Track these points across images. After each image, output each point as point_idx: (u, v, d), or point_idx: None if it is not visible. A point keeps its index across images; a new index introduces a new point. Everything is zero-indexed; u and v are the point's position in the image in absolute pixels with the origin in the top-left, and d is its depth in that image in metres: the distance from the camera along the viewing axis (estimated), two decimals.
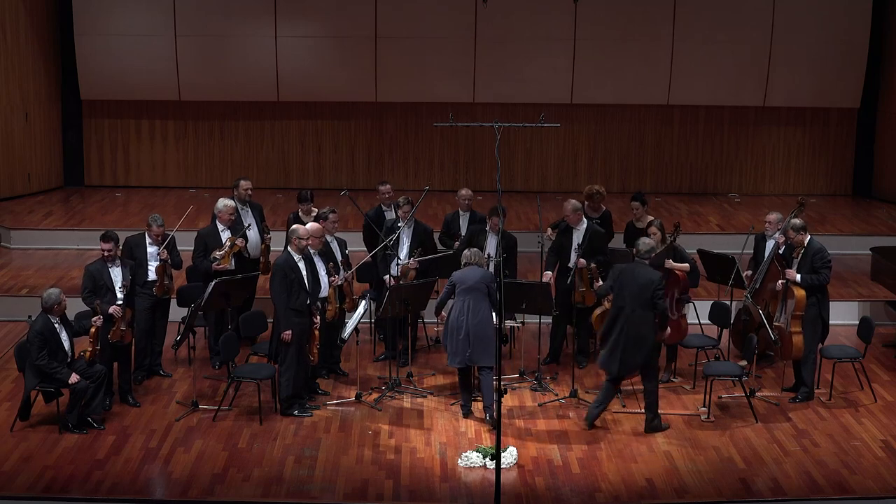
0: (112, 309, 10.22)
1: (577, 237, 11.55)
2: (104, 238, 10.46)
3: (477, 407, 10.60)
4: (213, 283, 10.78)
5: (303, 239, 10.41)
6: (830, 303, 11.07)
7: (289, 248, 10.47)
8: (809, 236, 10.84)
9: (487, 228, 11.83)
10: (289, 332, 10.23)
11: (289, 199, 17.55)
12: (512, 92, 17.78)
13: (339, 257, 11.31)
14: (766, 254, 11.69)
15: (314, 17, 17.66)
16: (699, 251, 12.25)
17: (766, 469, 9.53)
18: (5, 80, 16.71)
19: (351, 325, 10.83)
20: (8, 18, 16.64)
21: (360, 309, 11.03)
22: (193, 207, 13.58)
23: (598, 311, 11.06)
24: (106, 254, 10.39)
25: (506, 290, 10.47)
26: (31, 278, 13.74)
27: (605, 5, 17.52)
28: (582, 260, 11.39)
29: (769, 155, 18.43)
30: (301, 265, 10.38)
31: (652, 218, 12.35)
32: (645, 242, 10.30)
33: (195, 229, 11.99)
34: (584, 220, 11.70)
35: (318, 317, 10.49)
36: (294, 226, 10.66)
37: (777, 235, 12.00)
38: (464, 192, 12.73)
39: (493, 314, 10.29)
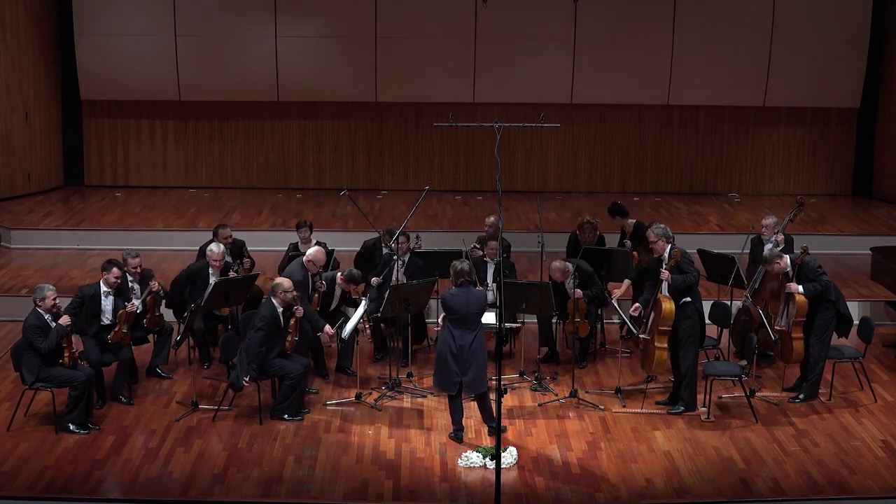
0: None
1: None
2: (117, 264, 10.64)
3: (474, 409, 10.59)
4: (214, 283, 10.83)
5: (288, 293, 10.32)
6: None
7: (273, 299, 10.34)
8: (788, 258, 10.83)
9: (486, 258, 11.90)
10: (246, 380, 10.21)
11: (288, 199, 17.58)
12: (512, 92, 17.78)
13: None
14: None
15: (314, 17, 17.67)
16: (699, 251, 12.25)
17: (766, 469, 9.53)
18: (5, 80, 16.71)
19: (351, 324, 10.84)
20: (8, 18, 16.64)
21: (360, 309, 11.04)
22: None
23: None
24: (113, 280, 10.59)
25: (506, 290, 10.48)
26: (31, 278, 13.74)
27: (605, 5, 17.53)
28: (579, 291, 11.42)
29: (769, 155, 18.44)
30: (282, 318, 10.37)
31: (633, 220, 12.69)
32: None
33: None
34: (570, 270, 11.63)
35: (302, 307, 10.53)
36: (278, 280, 10.50)
37: (775, 236, 12.03)
38: (492, 244, 12.11)
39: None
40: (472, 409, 10.35)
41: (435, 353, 10.04)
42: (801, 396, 10.97)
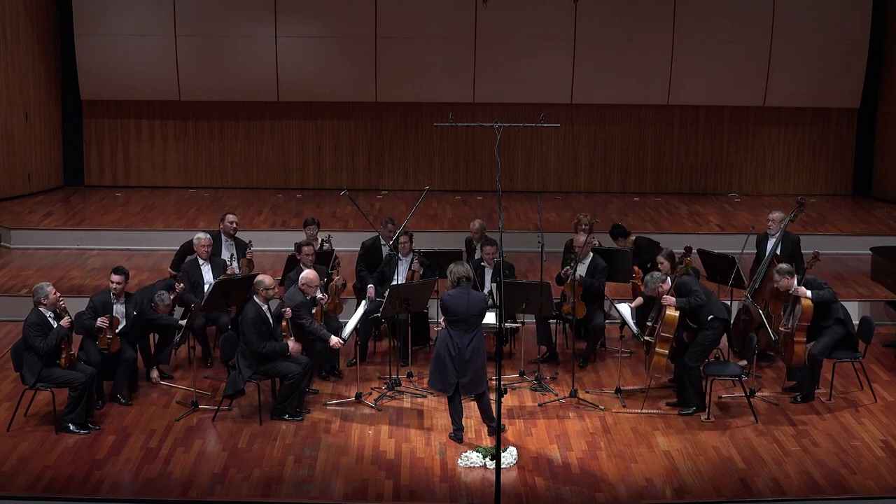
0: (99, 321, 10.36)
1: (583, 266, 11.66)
2: (117, 271, 10.68)
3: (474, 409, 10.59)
4: (214, 282, 10.83)
5: (269, 289, 10.35)
6: None
7: (255, 298, 10.35)
8: (795, 278, 10.79)
9: (483, 263, 11.85)
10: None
11: (288, 199, 17.58)
12: (512, 92, 17.78)
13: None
14: (767, 252, 11.71)
15: (314, 17, 17.67)
16: (699, 251, 12.25)
17: (766, 469, 9.53)
18: (5, 80, 16.71)
19: (350, 325, 10.84)
20: (8, 18, 16.65)
21: (360, 309, 11.04)
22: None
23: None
24: (115, 286, 10.60)
25: (506, 290, 10.48)
26: (31, 278, 13.72)
27: (605, 5, 17.53)
28: (580, 273, 11.46)
29: (769, 155, 18.44)
30: (269, 315, 10.40)
31: (633, 236, 12.71)
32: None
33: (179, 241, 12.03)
34: (591, 252, 11.75)
35: (289, 309, 10.54)
36: (259, 278, 10.45)
37: (780, 235, 12.02)
38: (488, 248, 12.02)
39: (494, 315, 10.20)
40: (471, 409, 10.34)
41: (433, 352, 10.04)
42: (801, 397, 10.97)
